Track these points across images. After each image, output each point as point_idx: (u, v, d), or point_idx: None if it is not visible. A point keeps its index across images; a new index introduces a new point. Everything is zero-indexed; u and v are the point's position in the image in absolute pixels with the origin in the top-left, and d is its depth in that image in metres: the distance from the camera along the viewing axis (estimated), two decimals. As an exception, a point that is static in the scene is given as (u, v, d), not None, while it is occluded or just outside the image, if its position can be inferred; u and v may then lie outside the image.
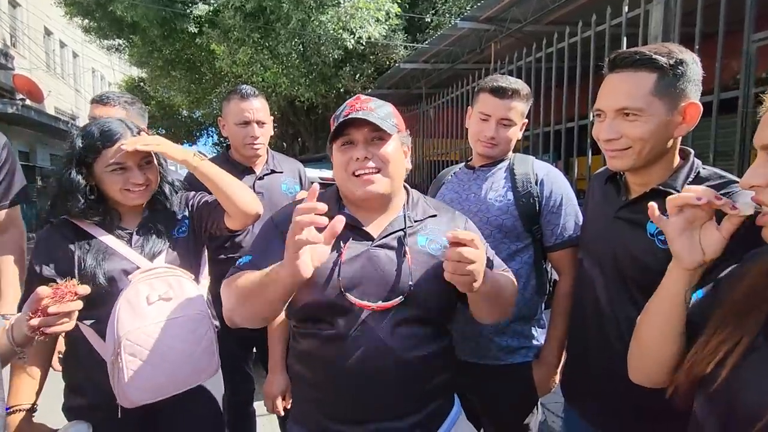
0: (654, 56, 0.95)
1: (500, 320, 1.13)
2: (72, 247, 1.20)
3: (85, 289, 0.95)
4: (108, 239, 1.23)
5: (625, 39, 2.66)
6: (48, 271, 1.19)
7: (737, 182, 0.92)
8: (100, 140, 1.18)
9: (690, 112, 0.97)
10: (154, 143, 1.24)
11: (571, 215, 1.38)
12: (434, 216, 1.11)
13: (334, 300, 0.98)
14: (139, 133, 1.26)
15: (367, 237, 1.04)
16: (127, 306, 1.15)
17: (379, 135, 1.02)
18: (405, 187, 1.16)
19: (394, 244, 1.04)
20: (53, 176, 1.26)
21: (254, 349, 1.95)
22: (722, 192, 0.86)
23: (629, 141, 0.98)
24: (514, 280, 1.12)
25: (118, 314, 1.14)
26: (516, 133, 1.45)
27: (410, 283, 0.99)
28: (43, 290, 0.92)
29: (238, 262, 1.06)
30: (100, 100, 1.80)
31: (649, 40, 2.57)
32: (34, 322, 0.91)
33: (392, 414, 1.01)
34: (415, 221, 1.08)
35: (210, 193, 1.37)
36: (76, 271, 1.17)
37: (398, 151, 1.06)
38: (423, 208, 1.12)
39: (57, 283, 0.95)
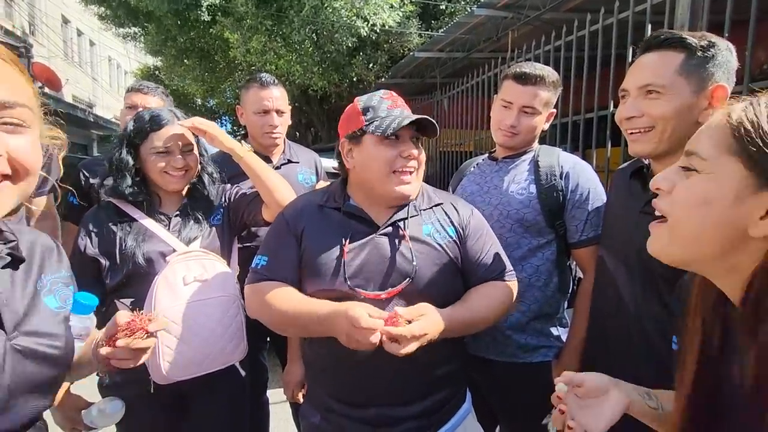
0: (684, 35, 0.93)
1: (496, 323, 1.14)
2: (114, 227, 1.28)
3: (160, 325, 0.91)
4: (148, 222, 1.30)
5: (649, 26, 2.56)
6: (91, 249, 1.26)
7: None
8: (149, 124, 1.30)
9: (717, 96, 0.94)
10: (208, 126, 1.37)
11: (599, 212, 1.31)
12: (440, 204, 1.14)
13: (341, 291, 1.01)
14: (185, 117, 1.37)
15: (373, 226, 1.07)
16: (164, 284, 1.22)
17: (417, 135, 1.07)
18: None
19: (398, 232, 1.06)
20: (104, 157, 1.38)
21: (268, 339, 1.97)
22: None
23: (651, 120, 0.96)
24: (506, 286, 1.12)
25: (156, 292, 1.20)
26: (540, 123, 1.39)
27: (415, 264, 1.02)
28: (120, 317, 0.88)
29: (254, 265, 1.11)
30: (139, 89, 1.87)
31: (675, 27, 2.47)
32: (105, 351, 0.86)
33: (396, 400, 1.04)
34: (421, 210, 1.11)
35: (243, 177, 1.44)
36: (117, 251, 1.24)
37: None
38: (429, 197, 1.15)
39: (136, 312, 0.90)
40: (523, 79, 1.34)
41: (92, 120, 15.32)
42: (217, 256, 1.35)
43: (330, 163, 3.55)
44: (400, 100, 1.08)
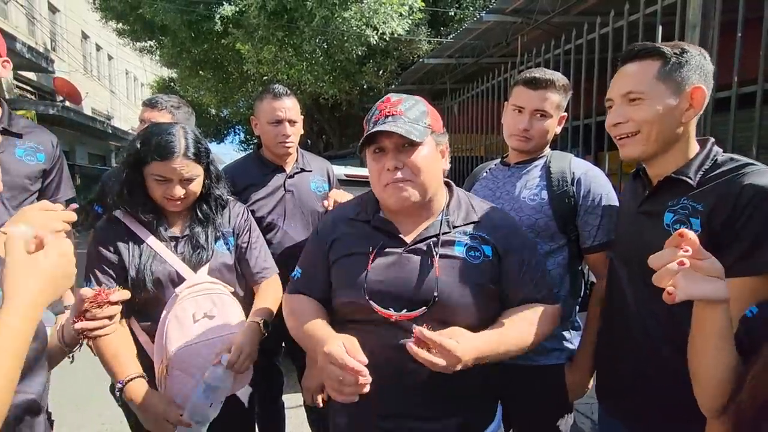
0: (659, 46, 1.01)
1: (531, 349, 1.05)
2: (123, 246, 1.27)
3: (122, 295, 0.99)
4: (155, 243, 1.29)
5: (660, 28, 2.54)
6: (107, 253, 1.26)
7: (754, 164, 0.95)
8: (152, 152, 1.24)
9: (696, 97, 0.99)
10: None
11: (611, 217, 1.30)
12: (477, 222, 1.07)
13: (360, 304, 1.00)
14: (197, 143, 1.29)
15: (401, 242, 1.04)
16: (175, 322, 1.22)
17: (410, 141, 0.99)
18: (449, 186, 1.14)
19: (426, 249, 1.02)
20: (114, 171, 1.38)
21: (283, 344, 2.00)
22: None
23: (636, 125, 1.02)
24: (548, 310, 1.05)
25: (167, 331, 1.21)
26: (552, 127, 1.40)
27: (435, 293, 0.96)
28: (85, 293, 0.97)
29: (292, 275, 1.16)
30: (150, 105, 1.91)
31: (686, 28, 2.45)
32: (78, 325, 0.96)
33: (422, 414, 1.01)
34: (455, 227, 1.05)
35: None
36: (129, 275, 1.24)
37: (432, 155, 1.03)
38: (466, 212, 1.08)
39: (99, 288, 1.00)
40: (533, 83, 1.35)
41: (110, 132, 15.74)
42: (225, 285, 1.34)
43: (342, 171, 3.60)
44: (390, 107, 1.01)
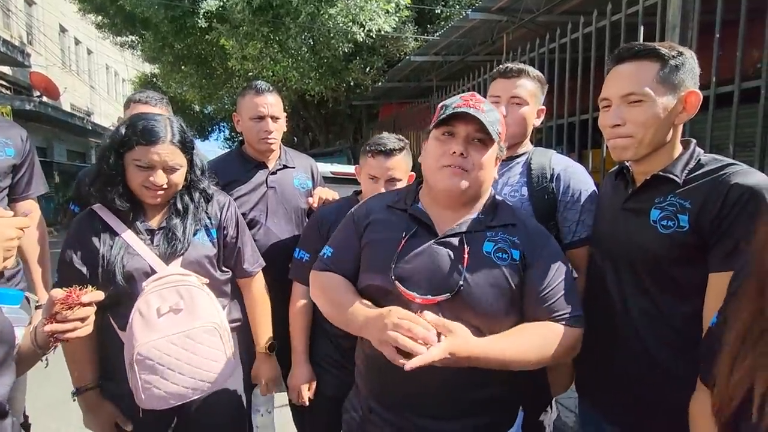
0: (657, 47, 1.01)
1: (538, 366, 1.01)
2: (97, 241, 1.23)
3: (95, 296, 0.95)
4: (130, 237, 1.24)
5: (642, 28, 2.59)
6: (77, 261, 1.23)
7: (736, 164, 0.98)
8: (139, 136, 1.21)
9: (690, 101, 1.01)
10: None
11: (591, 211, 1.32)
12: (511, 225, 1.07)
13: (387, 288, 1.01)
14: (183, 133, 1.28)
15: (434, 233, 1.06)
16: (139, 318, 1.18)
17: (481, 137, 1.02)
18: (490, 192, 1.14)
19: (456, 243, 1.03)
20: (92, 168, 1.34)
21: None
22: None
23: (633, 127, 1.02)
24: (565, 331, 0.99)
25: (132, 326, 1.17)
26: (530, 115, 1.41)
27: (461, 282, 0.97)
28: (56, 294, 0.92)
29: (322, 253, 1.17)
30: (146, 101, 1.87)
31: (667, 28, 2.50)
32: (48, 327, 0.91)
33: (438, 413, 1.02)
34: (488, 227, 1.05)
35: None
36: (100, 269, 1.21)
37: (493, 159, 1.06)
38: (502, 215, 1.09)
39: (71, 288, 0.95)
40: (507, 73, 1.40)
41: (90, 128, 15.36)
42: (199, 277, 1.28)
43: (328, 168, 3.58)
44: (475, 101, 1.03)
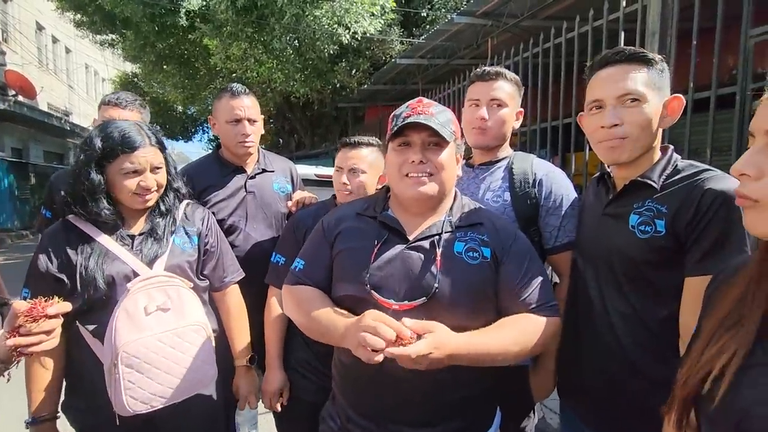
0: (645, 52, 1.03)
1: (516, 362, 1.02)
2: (74, 249, 1.19)
3: (62, 308, 0.91)
4: (108, 242, 1.22)
5: (622, 34, 2.63)
6: (52, 268, 1.19)
7: (711, 170, 0.99)
8: (120, 146, 1.20)
9: (673, 106, 1.04)
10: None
11: (572, 217, 1.33)
12: (479, 224, 1.09)
13: (362, 297, 1.01)
14: (155, 133, 1.28)
15: (404, 239, 1.06)
16: (125, 316, 1.15)
17: (436, 140, 1.04)
18: (455, 193, 1.16)
19: (428, 246, 1.04)
20: (68, 176, 1.27)
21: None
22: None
23: (629, 128, 1.03)
24: (542, 321, 1.01)
25: (116, 325, 1.14)
26: (509, 118, 1.42)
27: (435, 285, 0.98)
28: (19, 306, 0.88)
29: (293, 267, 1.14)
30: (117, 103, 1.80)
31: (646, 35, 2.55)
32: (11, 341, 0.87)
33: (416, 420, 1.01)
34: (457, 227, 1.07)
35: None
36: (77, 275, 1.17)
37: (452, 158, 1.08)
38: (469, 214, 1.11)
39: (35, 300, 0.90)
40: (484, 76, 1.41)
41: (69, 129, 14.95)
42: (183, 280, 1.27)
43: (312, 170, 3.54)
44: (422, 107, 1.05)
